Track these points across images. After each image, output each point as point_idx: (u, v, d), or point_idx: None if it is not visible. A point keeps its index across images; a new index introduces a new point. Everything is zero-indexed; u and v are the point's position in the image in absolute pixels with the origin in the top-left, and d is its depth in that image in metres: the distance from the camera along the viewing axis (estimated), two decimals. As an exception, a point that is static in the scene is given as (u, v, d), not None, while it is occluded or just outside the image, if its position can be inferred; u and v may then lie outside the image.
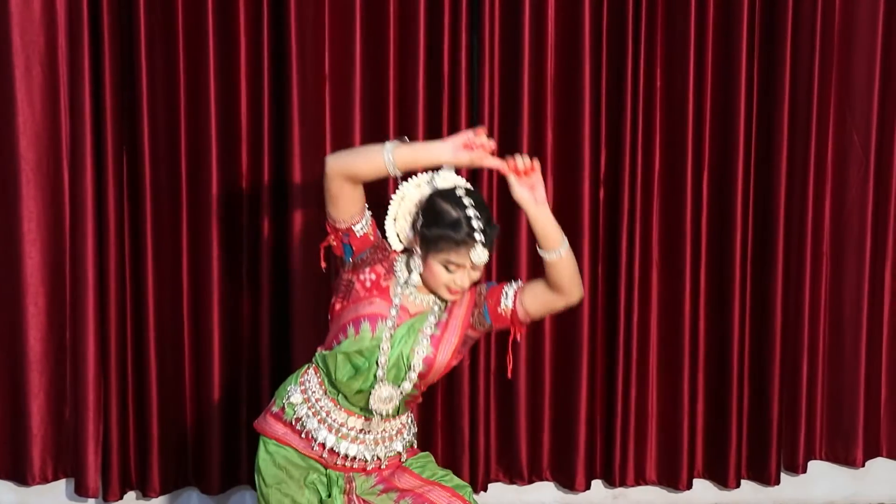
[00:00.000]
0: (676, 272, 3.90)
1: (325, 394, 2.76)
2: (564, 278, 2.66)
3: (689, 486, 3.99)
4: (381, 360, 2.67)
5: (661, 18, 3.80)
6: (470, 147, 2.56)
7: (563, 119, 3.81)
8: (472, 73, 3.76)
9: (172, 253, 3.74)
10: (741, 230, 3.87)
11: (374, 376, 2.69)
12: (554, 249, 2.63)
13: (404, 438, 2.83)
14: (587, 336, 3.85)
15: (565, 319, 3.84)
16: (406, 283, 2.71)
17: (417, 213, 2.68)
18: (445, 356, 2.72)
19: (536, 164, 2.62)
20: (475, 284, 2.75)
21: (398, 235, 2.74)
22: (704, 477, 4.04)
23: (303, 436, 2.76)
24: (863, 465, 4.08)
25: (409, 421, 2.87)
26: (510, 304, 2.72)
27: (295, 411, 2.77)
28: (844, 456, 4.08)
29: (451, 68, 3.72)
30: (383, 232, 2.75)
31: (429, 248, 2.63)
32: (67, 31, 3.62)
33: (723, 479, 3.99)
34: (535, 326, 3.85)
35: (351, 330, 2.69)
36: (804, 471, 4.04)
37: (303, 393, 2.78)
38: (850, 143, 3.97)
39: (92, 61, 3.58)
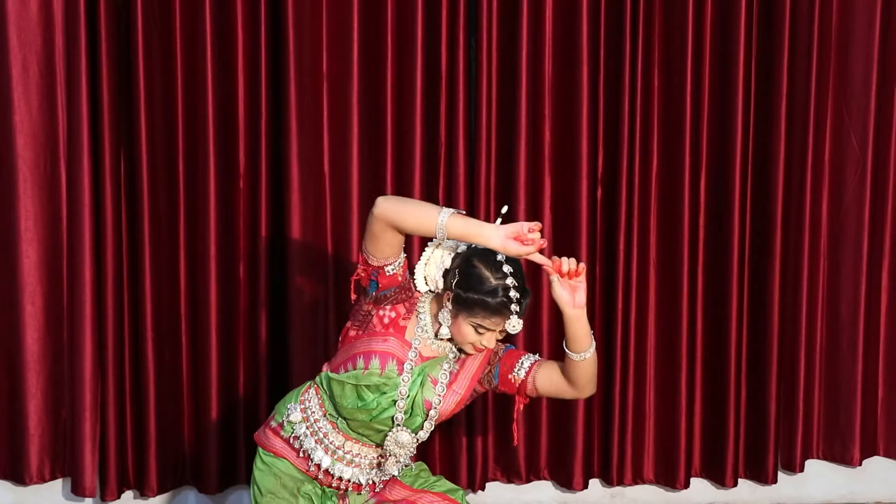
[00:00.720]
0: (674, 272, 3.90)
1: (325, 416, 2.77)
2: (582, 378, 2.69)
3: (687, 485, 4.00)
4: (400, 403, 2.68)
5: (659, 18, 3.80)
6: (520, 240, 2.51)
7: (561, 119, 3.81)
8: (470, 72, 3.76)
9: (170, 252, 3.73)
10: (738, 230, 3.87)
11: (392, 420, 2.70)
12: (580, 352, 2.65)
13: (399, 462, 2.82)
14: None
15: (562, 319, 3.83)
16: (424, 328, 2.71)
17: (454, 270, 2.65)
18: (449, 406, 2.74)
19: (583, 268, 2.59)
20: (494, 358, 2.78)
21: (426, 279, 2.71)
22: (702, 476, 4.05)
23: (300, 454, 2.78)
24: (860, 465, 4.09)
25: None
26: (522, 376, 2.74)
27: (293, 429, 2.78)
28: (841, 455, 4.09)
29: (449, 68, 3.72)
30: (412, 270, 2.73)
31: (461, 309, 2.61)
32: (64, 30, 3.61)
33: (720, 478, 4.00)
34: (533, 325, 3.86)
35: (361, 362, 2.68)
36: (801, 470, 4.05)
37: (302, 412, 2.79)
38: (847, 143, 3.97)
39: (89, 60, 3.58)
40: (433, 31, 3.70)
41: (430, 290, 2.72)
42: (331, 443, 2.76)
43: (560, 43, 3.79)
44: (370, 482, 2.81)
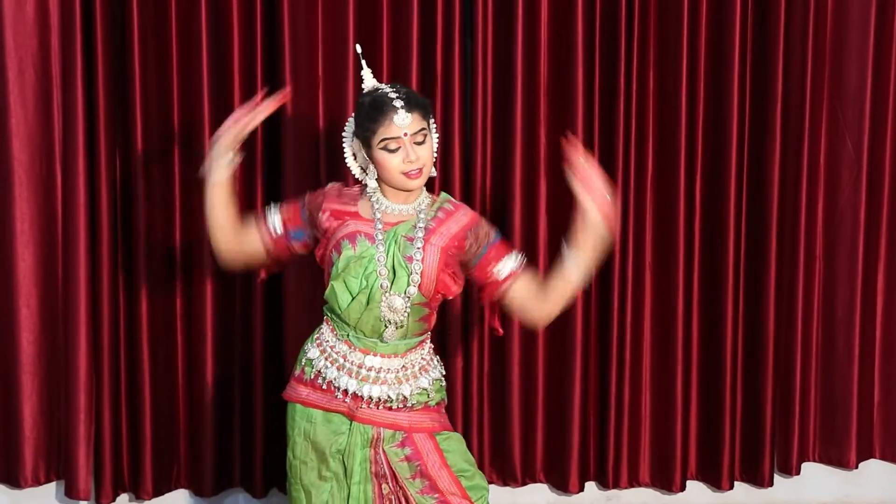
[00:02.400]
0: (669, 274, 3.90)
1: (338, 338, 2.74)
2: (560, 292, 2.66)
3: (683, 488, 3.99)
4: (381, 270, 2.65)
5: (654, 22, 3.80)
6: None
7: (556, 122, 3.81)
8: (466, 75, 3.77)
9: (165, 253, 3.73)
10: (734, 233, 3.88)
11: (374, 290, 2.65)
12: (581, 256, 2.62)
13: (429, 376, 2.76)
14: (580, 338, 3.85)
15: (559, 321, 3.80)
16: (378, 201, 2.70)
17: (353, 132, 2.72)
18: (433, 258, 2.66)
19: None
20: (481, 231, 2.71)
21: (361, 168, 2.75)
22: (698, 479, 4.05)
23: (324, 387, 2.73)
24: (856, 467, 4.08)
25: (432, 358, 2.81)
26: (501, 277, 2.69)
27: (313, 366, 2.75)
28: (838, 458, 4.09)
29: (445, 70, 3.72)
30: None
31: (367, 140, 2.65)
32: (60, 32, 3.62)
33: (716, 481, 4.00)
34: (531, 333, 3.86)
35: (334, 255, 2.68)
36: (797, 472, 4.05)
37: (318, 346, 2.77)
38: (842, 146, 3.98)
39: (85, 63, 3.58)
40: (429, 34, 3.71)
41: (367, 176, 2.72)
42: (352, 363, 2.71)
43: (555, 46, 3.79)
44: (401, 397, 2.71)
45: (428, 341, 2.81)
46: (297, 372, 2.80)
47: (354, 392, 2.70)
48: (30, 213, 3.68)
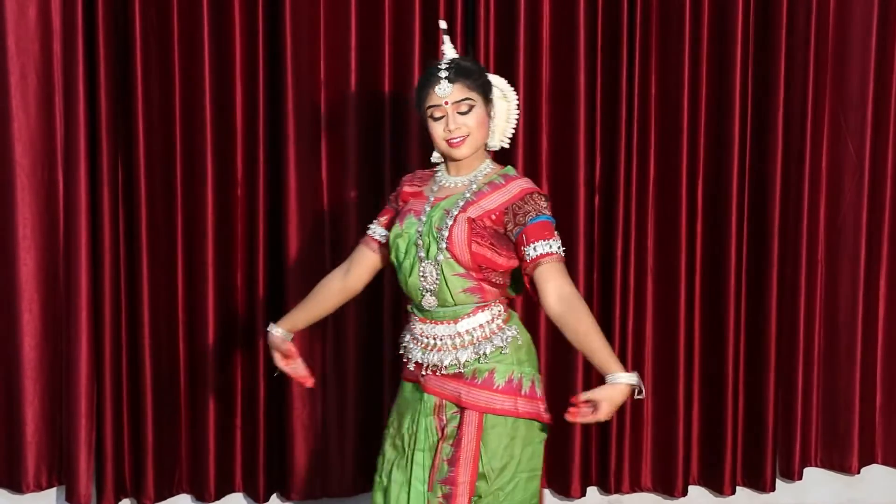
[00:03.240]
0: (671, 279, 3.90)
1: (413, 313, 2.84)
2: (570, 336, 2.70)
3: (685, 493, 3.99)
4: (418, 241, 2.73)
5: (656, 26, 3.81)
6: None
7: (559, 126, 3.81)
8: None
9: (167, 259, 3.73)
10: (736, 237, 3.88)
11: (414, 261, 2.74)
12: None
13: (494, 344, 2.74)
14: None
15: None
16: (441, 174, 2.82)
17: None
18: (461, 227, 2.68)
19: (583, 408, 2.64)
20: (523, 208, 2.70)
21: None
22: (700, 484, 4.04)
23: (404, 360, 2.85)
24: (858, 472, 4.08)
25: (505, 329, 2.77)
26: (530, 257, 2.67)
27: (405, 347, 2.85)
28: (840, 463, 4.08)
29: (447, 75, 3.72)
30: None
31: (420, 110, 2.77)
32: (62, 38, 3.62)
33: (718, 486, 3.99)
34: (530, 330, 3.83)
35: (390, 234, 2.82)
36: (800, 477, 4.04)
37: (406, 323, 2.88)
38: (844, 150, 3.98)
39: (87, 68, 3.58)
40: (430, 38, 3.71)
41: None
42: (420, 334, 2.79)
43: (557, 51, 3.79)
44: (455, 363, 2.72)
45: (494, 310, 2.76)
46: (402, 351, 2.90)
47: (416, 361, 2.80)
48: (32, 218, 3.68)
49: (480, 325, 2.75)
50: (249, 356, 3.79)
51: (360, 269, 2.95)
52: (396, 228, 2.78)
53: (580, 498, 3.94)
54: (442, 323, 2.75)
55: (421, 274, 2.73)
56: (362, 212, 3.76)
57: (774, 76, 3.83)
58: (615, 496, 4.02)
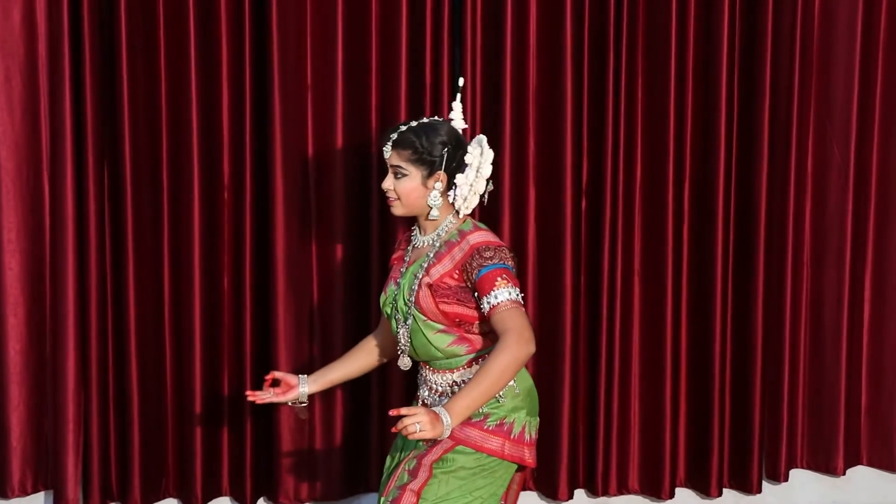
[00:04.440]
0: (658, 282, 3.91)
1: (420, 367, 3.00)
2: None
3: (672, 495, 4.00)
4: (398, 304, 2.90)
5: (642, 30, 3.81)
6: None
7: (546, 130, 3.82)
8: (455, 84, 3.77)
9: (154, 263, 3.72)
10: (722, 239, 3.89)
11: (397, 321, 2.93)
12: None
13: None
14: (570, 346, 3.85)
15: (547, 329, 3.84)
16: (414, 238, 2.95)
17: None
18: (425, 296, 2.80)
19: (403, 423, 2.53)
20: (473, 263, 2.76)
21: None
22: (687, 486, 4.05)
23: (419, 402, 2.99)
24: (843, 474, 4.10)
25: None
26: (486, 311, 2.73)
27: (418, 382, 3.01)
28: (825, 464, 4.10)
29: (434, 79, 3.73)
30: None
31: None
32: (48, 40, 3.60)
33: (705, 488, 4.00)
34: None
35: (381, 298, 3.00)
36: (786, 479, 4.06)
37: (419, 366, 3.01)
38: (829, 152, 4.00)
39: (72, 70, 3.57)
40: (418, 42, 3.71)
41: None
42: (426, 378, 2.95)
43: (544, 54, 3.79)
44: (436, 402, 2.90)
45: (477, 363, 2.87)
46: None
47: (424, 402, 2.95)
48: (17, 222, 3.66)
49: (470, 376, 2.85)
50: (236, 360, 3.78)
51: (382, 325, 3.17)
52: (382, 296, 2.98)
53: (568, 500, 3.94)
54: (442, 372, 2.89)
55: (402, 336, 2.91)
56: (349, 216, 3.76)
57: (760, 80, 3.85)
58: (602, 498, 4.02)
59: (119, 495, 3.78)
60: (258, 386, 3.75)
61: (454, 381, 2.87)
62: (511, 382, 2.82)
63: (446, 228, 2.88)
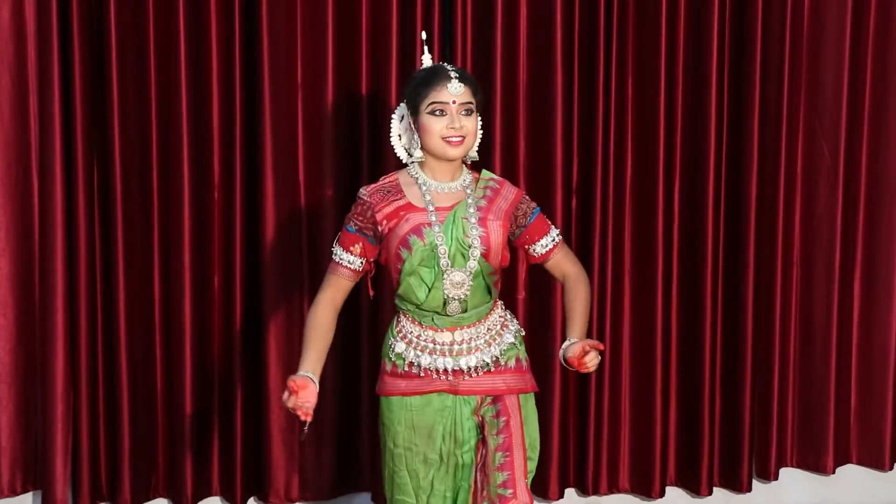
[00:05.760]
0: (649, 280, 3.91)
1: (423, 326, 2.81)
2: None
3: (662, 494, 4.00)
4: (441, 250, 2.74)
5: (632, 28, 3.82)
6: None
7: (536, 128, 3.82)
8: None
9: (144, 262, 3.71)
10: (712, 239, 3.89)
11: (442, 273, 2.75)
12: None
13: (511, 329, 2.88)
14: (560, 345, 3.83)
15: (538, 328, 3.85)
16: (424, 184, 2.79)
17: (404, 102, 2.83)
18: (497, 234, 2.79)
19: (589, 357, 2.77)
20: (523, 207, 2.86)
21: (405, 149, 2.85)
22: (677, 485, 4.06)
23: (421, 374, 2.79)
24: (833, 473, 4.11)
25: (506, 313, 2.92)
26: (540, 253, 2.89)
27: (404, 359, 2.81)
28: (815, 463, 4.11)
29: (424, 78, 3.72)
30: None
31: (416, 106, 2.75)
32: (37, 40, 3.59)
33: (695, 487, 4.01)
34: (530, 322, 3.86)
35: (404, 252, 2.75)
36: (776, 478, 4.07)
37: (403, 339, 2.82)
38: (819, 153, 4.00)
39: (62, 70, 3.55)
40: (408, 40, 3.71)
41: (410, 158, 2.83)
42: (442, 344, 2.80)
43: (534, 53, 3.80)
44: (495, 358, 2.83)
45: (500, 302, 2.91)
46: (389, 367, 2.84)
47: (453, 368, 2.79)
48: (6, 222, 3.65)
49: (500, 317, 2.88)
50: (226, 359, 3.77)
51: (343, 299, 2.85)
52: (416, 243, 2.74)
53: (558, 500, 3.95)
54: (469, 326, 2.82)
55: (451, 282, 2.76)
56: (340, 213, 3.75)
57: (750, 79, 3.85)
58: (593, 498, 4.03)
59: (109, 495, 3.78)
60: (249, 390, 3.75)
61: (487, 329, 2.84)
62: (513, 318, 2.94)
63: (469, 178, 2.84)
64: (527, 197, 2.89)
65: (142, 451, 3.77)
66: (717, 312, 3.95)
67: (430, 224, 2.75)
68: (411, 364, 2.80)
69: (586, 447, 3.94)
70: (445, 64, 2.80)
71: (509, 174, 3.81)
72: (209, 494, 3.84)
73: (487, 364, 2.82)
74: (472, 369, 2.81)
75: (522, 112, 3.80)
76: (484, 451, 2.81)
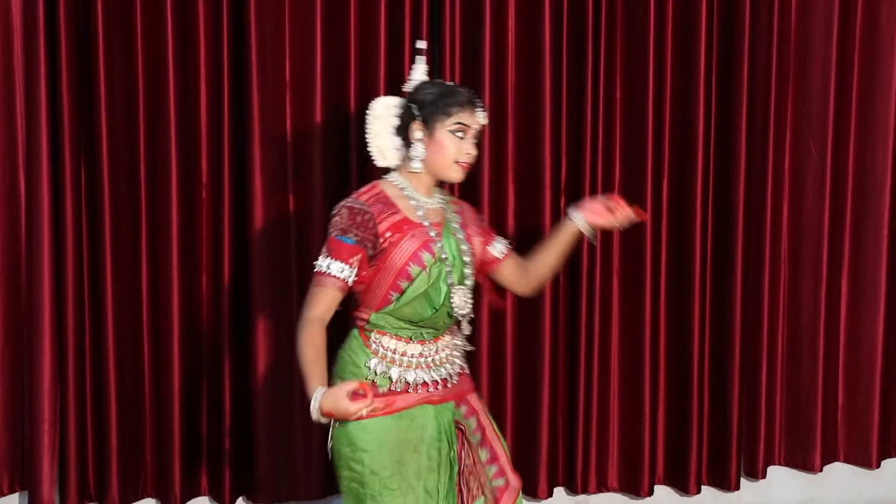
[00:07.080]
0: (637, 280, 3.92)
1: (409, 341, 2.78)
2: (551, 265, 3.02)
3: (651, 493, 4.01)
4: (448, 268, 2.78)
5: (621, 29, 3.83)
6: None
7: (524, 129, 3.82)
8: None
9: (131, 262, 3.70)
10: (700, 238, 3.91)
11: (447, 287, 2.77)
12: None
13: (460, 337, 2.93)
14: (549, 344, 3.86)
15: (527, 327, 3.85)
16: (414, 197, 2.79)
17: (410, 107, 2.78)
18: (478, 248, 2.93)
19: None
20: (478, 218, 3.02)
21: (382, 151, 2.85)
22: (665, 483, 4.07)
23: (410, 390, 2.75)
24: (821, 471, 4.13)
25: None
26: (496, 256, 2.99)
27: (390, 377, 2.75)
28: (803, 461, 4.13)
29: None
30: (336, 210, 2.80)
31: (437, 119, 2.73)
32: (23, 38, 3.58)
33: (683, 486, 4.02)
34: (497, 333, 3.86)
35: (414, 269, 2.72)
36: (764, 476, 4.08)
37: (382, 359, 2.76)
38: (806, 152, 4.02)
39: (48, 68, 3.54)
40: (396, 40, 3.71)
41: (386, 162, 2.86)
42: (428, 357, 2.80)
43: (523, 54, 3.80)
44: (458, 366, 2.86)
45: None
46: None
47: (434, 380, 2.79)
48: (-8, 221, 3.64)
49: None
50: (214, 359, 3.76)
51: (332, 312, 2.74)
52: (428, 258, 2.72)
53: (547, 498, 3.95)
54: (445, 336, 2.85)
55: (458, 299, 2.79)
56: (328, 211, 3.73)
57: (737, 79, 3.86)
58: (582, 496, 4.03)
59: (97, 495, 3.76)
60: (238, 391, 3.74)
61: (452, 338, 2.89)
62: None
63: (438, 193, 2.91)
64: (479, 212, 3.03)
65: (130, 451, 3.76)
66: (705, 311, 3.96)
67: (433, 240, 2.76)
68: (397, 381, 2.74)
69: (575, 446, 3.94)
70: (459, 85, 2.83)
71: (499, 173, 3.82)
72: (198, 494, 3.83)
73: (460, 369, 2.88)
74: (451, 376, 2.83)
75: (511, 112, 3.80)
76: (470, 452, 2.83)
